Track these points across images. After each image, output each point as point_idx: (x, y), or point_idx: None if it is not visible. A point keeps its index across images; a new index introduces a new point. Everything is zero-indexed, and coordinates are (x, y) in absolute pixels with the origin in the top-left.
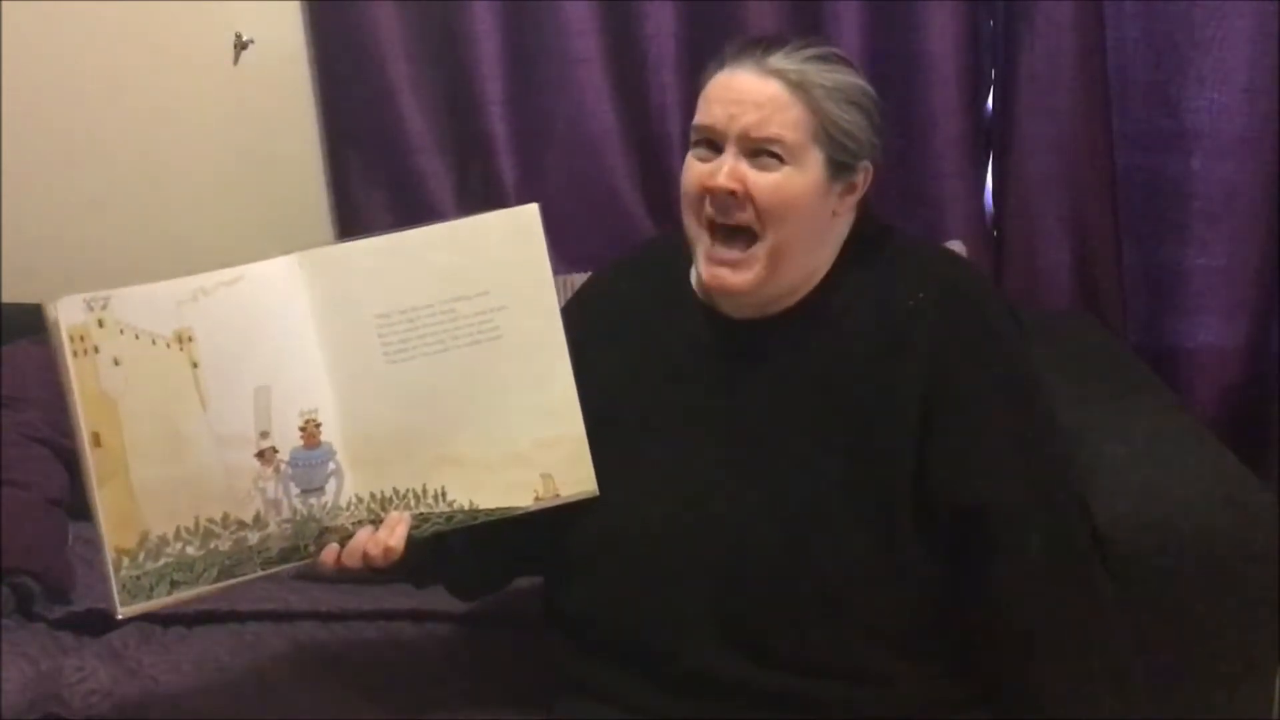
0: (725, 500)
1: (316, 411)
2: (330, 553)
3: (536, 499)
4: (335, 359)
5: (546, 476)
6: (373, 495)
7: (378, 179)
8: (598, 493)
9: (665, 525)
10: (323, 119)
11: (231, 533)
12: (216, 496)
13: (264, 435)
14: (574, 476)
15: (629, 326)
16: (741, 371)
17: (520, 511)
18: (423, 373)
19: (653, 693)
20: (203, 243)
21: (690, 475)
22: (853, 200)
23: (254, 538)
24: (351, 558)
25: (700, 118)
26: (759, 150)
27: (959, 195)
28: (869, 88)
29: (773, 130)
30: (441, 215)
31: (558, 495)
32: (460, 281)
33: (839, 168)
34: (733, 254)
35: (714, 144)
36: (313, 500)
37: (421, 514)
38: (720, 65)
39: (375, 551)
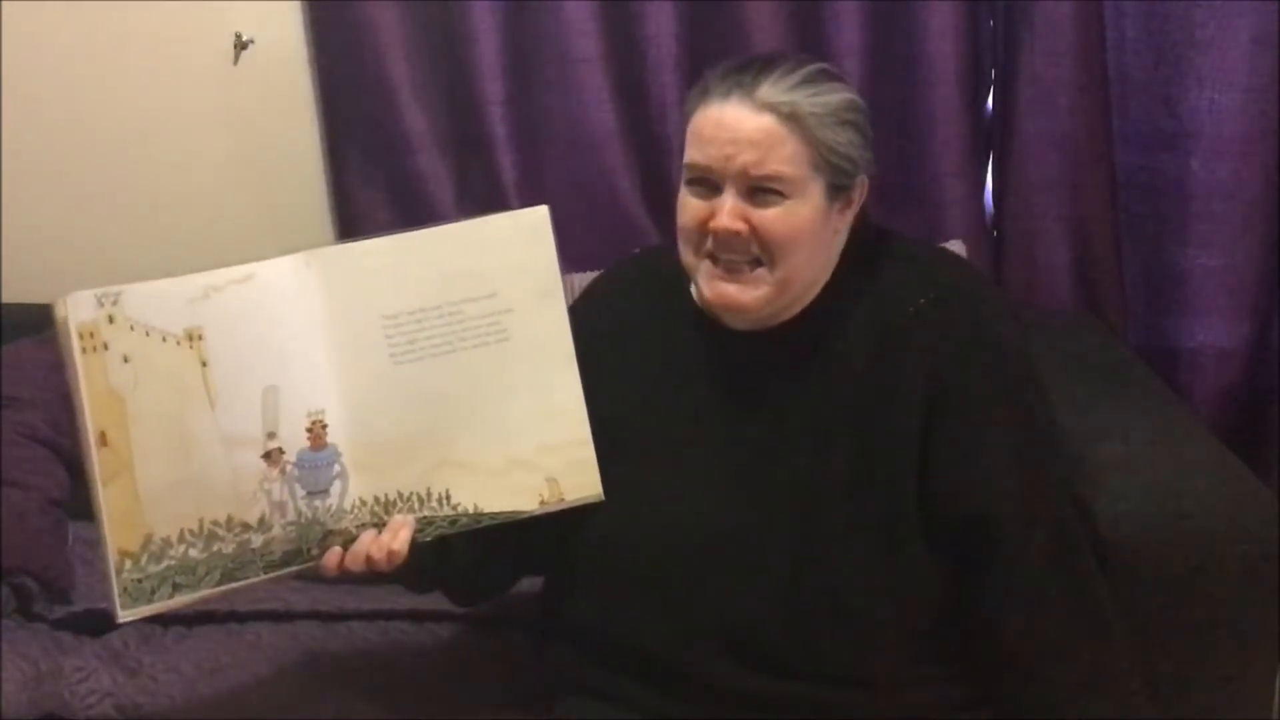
0: (730, 510)
1: (323, 412)
2: (333, 556)
3: (541, 503)
4: (342, 359)
5: (552, 480)
6: (377, 498)
7: (378, 179)
8: (603, 497)
9: (671, 535)
10: (323, 119)
11: (235, 535)
12: (221, 498)
13: (271, 436)
14: (579, 481)
15: (629, 338)
16: (744, 383)
17: (525, 516)
18: (429, 374)
19: (659, 699)
20: (203, 243)
21: (695, 485)
22: (850, 213)
23: (258, 540)
24: (355, 561)
25: (695, 156)
26: (759, 188)
27: (959, 195)
28: (858, 99)
29: (772, 168)
30: (441, 215)
31: (563, 499)
32: (468, 283)
33: (837, 190)
34: (739, 274)
35: (710, 182)
36: (317, 503)
37: (425, 517)
38: (705, 95)
39: (379, 555)
